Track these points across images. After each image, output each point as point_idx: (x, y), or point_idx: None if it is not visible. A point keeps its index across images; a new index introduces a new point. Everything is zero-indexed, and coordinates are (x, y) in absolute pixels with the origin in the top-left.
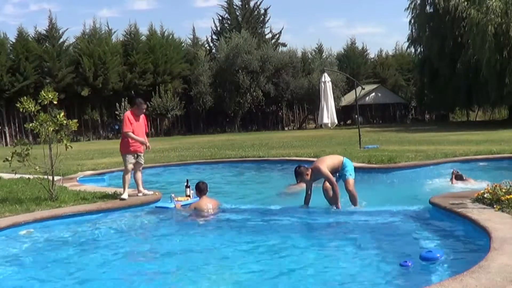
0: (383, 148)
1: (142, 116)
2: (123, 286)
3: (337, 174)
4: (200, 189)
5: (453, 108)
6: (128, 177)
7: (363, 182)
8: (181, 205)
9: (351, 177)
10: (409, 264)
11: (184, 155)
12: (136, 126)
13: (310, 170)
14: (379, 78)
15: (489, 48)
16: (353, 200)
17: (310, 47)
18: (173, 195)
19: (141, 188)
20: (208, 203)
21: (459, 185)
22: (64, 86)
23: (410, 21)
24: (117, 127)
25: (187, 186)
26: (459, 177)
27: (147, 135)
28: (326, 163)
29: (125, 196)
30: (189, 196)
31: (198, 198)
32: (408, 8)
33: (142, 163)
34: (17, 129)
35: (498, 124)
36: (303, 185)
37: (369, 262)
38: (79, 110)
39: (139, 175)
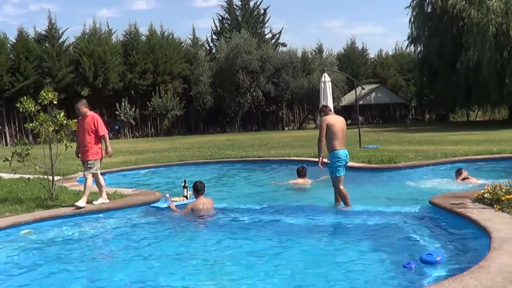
0: (383, 148)
1: (90, 117)
2: (120, 285)
3: (328, 159)
4: (197, 189)
5: (453, 108)
6: (86, 183)
7: (364, 182)
8: (175, 205)
9: (333, 175)
10: (412, 266)
11: (184, 155)
12: (79, 130)
13: (327, 113)
14: (379, 78)
15: (490, 48)
16: (343, 199)
17: (310, 47)
18: (167, 195)
19: (84, 197)
20: (204, 203)
21: (460, 187)
22: (64, 86)
23: (410, 20)
24: (117, 127)
25: (184, 187)
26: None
27: (140, 135)
28: (332, 123)
29: (79, 203)
30: (186, 196)
31: (194, 198)
32: (409, 6)
33: (91, 171)
34: (17, 129)
35: (498, 124)
36: (300, 181)
37: (369, 262)
38: None
39: (97, 181)
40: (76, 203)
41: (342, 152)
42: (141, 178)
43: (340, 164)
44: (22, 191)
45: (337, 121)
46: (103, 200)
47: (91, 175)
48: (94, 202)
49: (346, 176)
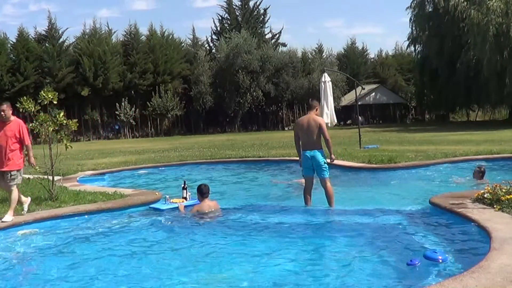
0: (383, 148)
1: (15, 123)
2: (120, 285)
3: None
4: (202, 192)
5: (453, 108)
6: (12, 195)
7: (364, 182)
8: (183, 206)
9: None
10: (417, 263)
11: (184, 155)
12: None
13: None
14: (379, 78)
15: (490, 48)
16: (304, 197)
17: (310, 47)
18: (167, 196)
19: (10, 210)
20: (210, 206)
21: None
22: (64, 86)
23: (410, 20)
24: (117, 127)
25: (184, 188)
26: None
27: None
28: (298, 126)
29: (5, 218)
30: (185, 198)
31: (197, 199)
32: (410, 6)
33: (15, 182)
34: None
35: (498, 124)
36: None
37: (368, 262)
38: (79, 110)
39: (13, 194)
40: (2, 219)
41: (304, 153)
42: (141, 178)
43: (304, 165)
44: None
45: (302, 123)
46: (9, 217)
47: (15, 186)
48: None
49: (346, 175)
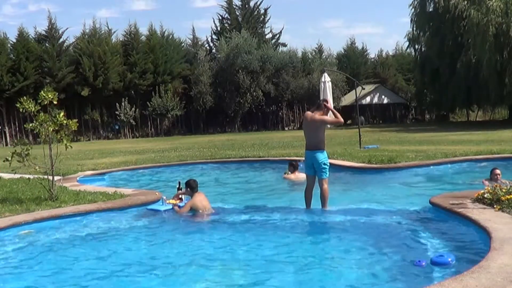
0: (383, 148)
1: None
2: (120, 286)
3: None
4: (192, 187)
5: (453, 108)
6: None
7: (364, 182)
8: (178, 206)
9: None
10: (423, 264)
11: (184, 155)
12: None
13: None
14: (379, 78)
15: (489, 48)
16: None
17: (310, 47)
18: (164, 197)
19: None
20: (201, 200)
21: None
22: (64, 86)
23: (411, 20)
24: (117, 127)
25: (179, 189)
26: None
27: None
28: (304, 123)
29: None
30: (180, 198)
31: (189, 197)
32: (411, 5)
33: None
34: (17, 129)
35: (498, 124)
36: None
37: (368, 262)
38: (79, 110)
39: None
40: None
41: (306, 152)
42: (141, 178)
43: (305, 164)
44: (22, 191)
45: (306, 119)
46: None
47: None
48: None
49: (346, 175)
